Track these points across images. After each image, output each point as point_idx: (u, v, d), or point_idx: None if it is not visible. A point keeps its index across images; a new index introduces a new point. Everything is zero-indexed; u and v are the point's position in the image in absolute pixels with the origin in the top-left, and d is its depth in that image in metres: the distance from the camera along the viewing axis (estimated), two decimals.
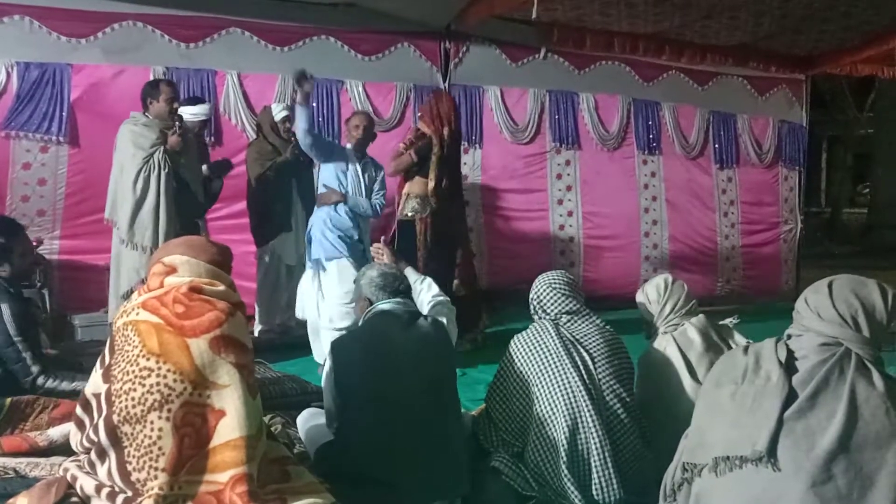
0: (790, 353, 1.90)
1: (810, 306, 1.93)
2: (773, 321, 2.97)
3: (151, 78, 5.02)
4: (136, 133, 4.18)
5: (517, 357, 2.64)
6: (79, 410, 2.03)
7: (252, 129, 5.42)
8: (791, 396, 1.80)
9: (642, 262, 7.17)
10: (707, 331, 2.81)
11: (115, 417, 1.87)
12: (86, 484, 1.93)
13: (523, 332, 2.70)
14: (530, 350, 2.61)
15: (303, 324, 5.32)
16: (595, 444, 2.44)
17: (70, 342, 4.65)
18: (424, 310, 2.88)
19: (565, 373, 2.52)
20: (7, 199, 5.00)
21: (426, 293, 3.01)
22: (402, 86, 6.11)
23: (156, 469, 1.84)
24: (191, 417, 1.87)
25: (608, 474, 2.43)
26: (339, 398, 2.51)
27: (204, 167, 4.71)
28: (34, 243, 4.01)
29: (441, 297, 2.99)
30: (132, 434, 1.86)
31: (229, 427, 1.89)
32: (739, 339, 2.87)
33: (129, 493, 1.86)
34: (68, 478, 1.99)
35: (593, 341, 2.63)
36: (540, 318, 2.76)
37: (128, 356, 1.90)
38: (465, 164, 6.41)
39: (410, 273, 3.08)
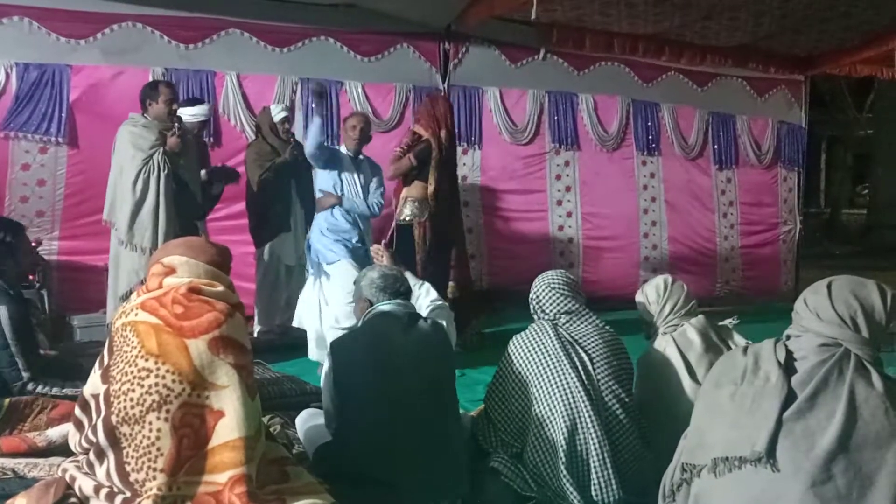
0: (789, 353, 1.90)
1: (809, 307, 1.93)
2: (772, 322, 2.97)
3: (151, 79, 5.02)
4: (135, 134, 4.18)
5: (516, 358, 2.64)
6: (77, 411, 2.03)
7: (251, 129, 5.42)
8: (790, 397, 1.80)
9: (641, 262, 7.17)
10: (707, 331, 2.81)
11: (113, 418, 1.87)
12: (84, 484, 1.93)
13: (522, 333, 2.70)
14: (529, 351, 2.61)
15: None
16: (594, 444, 2.44)
17: (69, 343, 4.65)
18: (423, 314, 2.88)
19: (564, 374, 2.52)
20: (6, 199, 5.00)
21: (424, 298, 3.02)
22: (401, 87, 6.11)
23: (154, 470, 1.84)
24: (189, 418, 1.87)
25: (607, 475, 2.43)
26: (338, 398, 2.51)
27: (203, 172, 4.71)
28: (33, 244, 4.01)
29: (439, 302, 3.00)
30: (131, 435, 1.86)
31: (228, 428, 1.89)
32: (739, 339, 2.87)
33: (128, 494, 1.86)
34: (67, 478, 1.98)
35: (592, 342, 2.63)
36: (539, 318, 2.76)
37: (126, 357, 1.90)
38: (464, 164, 6.44)
39: (409, 278, 3.08)
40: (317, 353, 4.47)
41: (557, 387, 2.50)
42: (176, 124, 4.23)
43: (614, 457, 2.45)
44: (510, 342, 2.70)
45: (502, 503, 2.51)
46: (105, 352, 1.99)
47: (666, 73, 7.16)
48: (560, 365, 2.53)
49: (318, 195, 4.64)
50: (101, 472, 1.92)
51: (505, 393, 2.65)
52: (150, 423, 1.84)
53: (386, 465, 2.36)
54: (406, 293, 2.74)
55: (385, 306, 2.63)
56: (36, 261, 4.45)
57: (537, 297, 2.77)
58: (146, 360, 1.88)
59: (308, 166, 5.07)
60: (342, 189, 4.56)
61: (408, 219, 4.86)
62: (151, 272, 2.09)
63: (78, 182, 5.16)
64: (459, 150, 6.34)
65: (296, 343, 4.86)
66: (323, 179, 4.60)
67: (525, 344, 2.64)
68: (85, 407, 1.99)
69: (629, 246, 7.14)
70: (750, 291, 7.61)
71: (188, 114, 4.63)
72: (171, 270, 2.06)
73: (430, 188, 4.86)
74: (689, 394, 2.60)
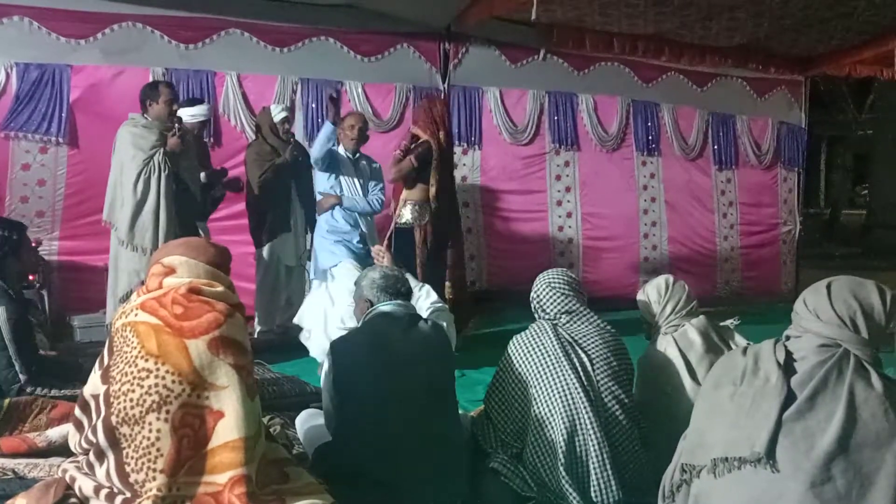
0: (789, 354, 1.90)
1: (809, 307, 1.93)
2: (772, 323, 2.96)
3: (151, 79, 5.03)
4: (135, 135, 4.18)
5: (515, 358, 2.64)
6: (77, 411, 2.03)
7: (251, 130, 5.42)
8: (790, 397, 1.80)
9: (641, 263, 7.17)
10: (708, 332, 2.80)
11: (113, 419, 1.87)
12: (84, 485, 1.93)
13: (522, 334, 2.69)
14: (528, 351, 2.61)
15: None
16: (593, 446, 2.44)
17: (69, 343, 4.65)
18: (423, 316, 2.88)
19: (563, 375, 2.51)
20: (6, 199, 5.01)
21: (425, 300, 3.03)
22: (401, 87, 6.11)
23: (154, 470, 1.84)
24: (189, 419, 1.87)
25: (607, 476, 2.42)
26: (337, 399, 2.51)
27: (203, 174, 4.71)
28: (33, 244, 4.01)
29: (440, 304, 3.01)
30: (131, 435, 1.86)
31: (228, 428, 1.89)
32: (740, 340, 2.86)
33: (128, 495, 1.86)
34: (67, 479, 1.98)
35: (592, 342, 2.62)
36: (540, 317, 2.75)
37: (126, 357, 1.90)
38: (464, 164, 6.44)
39: (409, 280, 3.08)
40: (320, 352, 4.47)
41: (557, 388, 2.50)
42: (176, 125, 4.23)
43: (614, 458, 2.45)
44: (510, 342, 2.69)
45: (502, 503, 2.51)
46: (105, 352, 1.99)
47: (666, 74, 7.16)
48: (559, 366, 2.53)
49: (318, 198, 4.65)
50: (100, 472, 1.92)
51: (505, 393, 2.65)
52: (150, 424, 1.84)
53: (386, 465, 2.37)
54: (407, 294, 2.74)
55: (385, 307, 2.63)
56: (37, 261, 4.45)
57: (538, 296, 2.77)
58: (146, 360, 1.88)
59: (308, 166, 5.07)
60: (341, 189, 4.57)
61: (409, 221, 4.84)
62: (151, 272, 2.10)
63: (78, 182, 5.17)
64: (459, 150, 6.37)
65: (296, 343, 4.86)
66: (322, 181, 4.61)
67: (525, 344, 2.64)
68: (85, 407, 1.99)
69: (629, 246, 7.14)
70: (750, 292, 7.61)
71: (188, 114, 4.63)
72: (170, 271, 2.07)
73: (432, 190, 4.85)
74: (689, 394, 2.60)
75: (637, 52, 6.60)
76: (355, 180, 4.60)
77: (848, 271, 2.21)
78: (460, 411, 2.77)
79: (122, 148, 4.18)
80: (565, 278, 2.77)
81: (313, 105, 5.78)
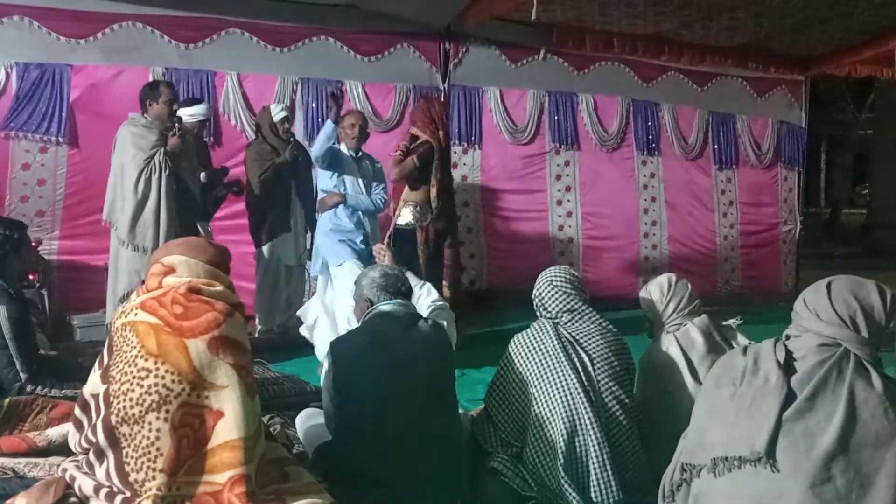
0: (789, 353, 1.90)
1: (809, 307, 1.93)
2: (772, 322, 2.96)
3: (151, 79, 5.03)
4: (136, 134, 4.18)
5: (516, 358, 2.64)
6: (77, 411, 2.03)
7: (251, 129, 5.42)
8: (790, 397, 1.80)
9: (641, 262, 7.17)
10: (710, 331, 2.79)
11: (113, 418, 1.87)
12: (84, 484, 1.93)
13: (523, 332, 2.69)
14: (529, 351, 2.61)
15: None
16: (593, 446, 2.43)
17: (69, 343, 4.65)
18: (424, 314, 2.88)
19: (563, 375, 2.51)
20: (6, 199, 5.01)
21: (426, 298, 3.02)
22: (401, 87, 6.10)
23: (154, 470, 1.84)
24: (189, 418, 1.87)
25: (607, 477, 2.42)
26: (337, 398, 2.50)
27: (202, 175, 4.71)
28: (33, 244, 4.01)
29: (440, 303, 3.00)
30: (130, 435, 1.86)
31: (227, 428, 1.89)
32: (742, 340, 2.84)
33: (128, 494, 1.86)
34: (67, 478, 1.99)
35: (593, 342, 2.62)
36: (541, 315, 2.74)
37: (126, 357, 1.90)
38: (464, 164, 6.44)
39: (410, 278, 3.08)
40: (325, 350, 4.48)
41: (557, 388, 2.50)
42: (176, 124, 4.23)
43: (614, 458, 2.44)
44: (511, 341, 2.69)
45: (502, 503, 2.51)
46: (105, 352, 1.99)
47: (666, 73, 7.16)
48: (560, 366, 2.53)
49: (320, 195, 4.63)
50: (100, 471, 1.92)
51: (505, 393, 2.65)
52: (150, 423, 1.84)
53: (386, 464, 2.36)
54: (407, 293, 2.73)
55: (385, 306, 2.62)
56: (37, 260, 4.45)
57: (540, 294, 2.76)
58: (146, 360, 1.88)
59: (308, 166, 5.07)
60: (345, 188, 4.55)
61: (410, 223, 4.83)
62: (151, 272, 2.10)
63: (78, 182, 5.17)
64: (459, 149, 6.39)
65: (296, 343, 4.86)
66: (325, 179, 4.59)
67: (525, 343, 2.63)
68: (85, 407, 1.99)
69: (629, 246, 7.14)
70: (750, 291, 7.61)
71: (187, 114, 4.63)
72: (170, 270, 2.07)
73: (433, 190, 4.85)
74: (691, 393, 2.59)
75: (637, 51, 6.60)
76: (358, 179, 4.60)
77: (848, 271, 2.20)
78: (460, 411, 2.77)
79: (123, 148, 4.18)
80: (567, 276, 2.76)
81: (313, 105, 5.78)
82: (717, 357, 2.57)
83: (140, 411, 1.85)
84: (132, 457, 1.86)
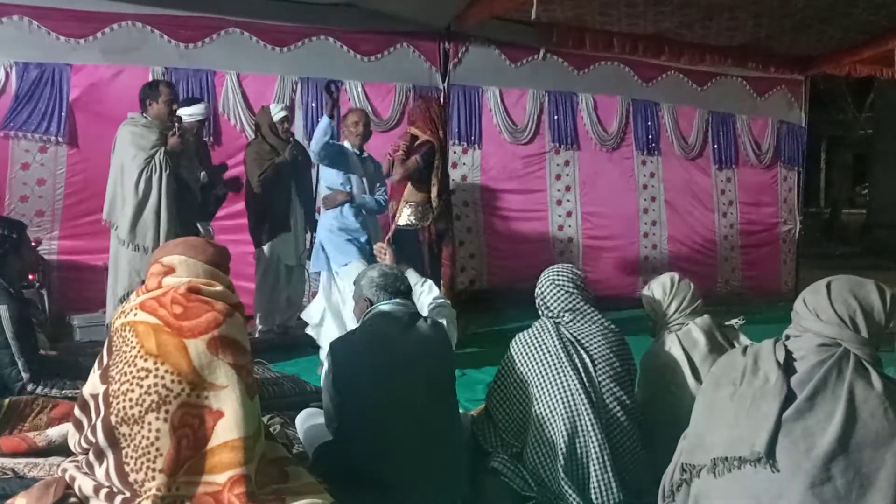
0: (789, 353, 1.90)
1: (809, 307, 1.93)
2: (772, 322, 2.96)
3: (150, 78, 5.02)
4: (136, 134, 4.18)
5: (517, 357, 2.63)
6: (77, 411, 2.03)
7: (251, 129, 5.42)
8: (790, 397, 1.80)
9: (641, 262, 7.17)
10: (712, 331, 2.77)
11: (112, 418, 1.87)
12: (84, 484, 1.93)
13: (524, 332, 2.68)
14: (530, 351, 2.60)
15: (303, 324, 5.32)
16: (594, 447, 2.43)
17: (69, 343, 4.65)
18: (425, 312, 2.88)
19: (564, 375, 2.50)
20: (6, 199, 5.00)
21: (427, 296, 3.01)
22: (401, 86, 6.10)
23: (154, 470, 1.84)
24: (189, 418, 1.87)
25: (607, 478, 2.41)
26: (337, 398, 2.50)
27: (203, 174, 4.71)
28: (33, 243, 4.02)
29: (442, 300, 2.99)
30: (130, 435, 1.86)
31: (227, 428, 1.89)
32: (745, 340, 2.81)
33: (128, 494, 1.86)
34: (67, 478, 1.98)
35: (595, 342, 2.60)
36: (543, 314, 2.73)
37: (126, 357, 1.90)
38: (464, 164, 6.45)
39: (412, 275, 3.07)
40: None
41: (558, 388, 2.49)
42: (176, 124, 4.23)
43: (614, 459, 2.44)
44: (512, 341, 2.68)
45: (502, 503, 2.51)
46: (104, 352, 1.99)
47: (666, 73, 7.16)
48: (561, 366, 2.52)
49: (325, 192, 4.57)
50: (100, 472, 1.92)
51: (506, 392, 2.65)
52: (150, 424, 1.84)
53: (386, 464, 2.36)
54: (406, 292, 2.73)
55: (385, 306, 2.62)
56: (37, 260, 4.45)
57: (542, 292, 2.74)
58: (145, 360, 1.88)
59: (308, 166, 5.07)
60: (352, 186, 4.52)
61: (413, 223, 4.83)
62: (151, 272, 2.10)
63: (78, 181, 5.16)
64: (459, 149, 6.39)
65: (296, 343, 4.87)
66: (330, 177, 4.54)
67: (527, 343, 2.63)
68: (84, 407, 1.99)
69: (629, 245, 7.14)
70: (750, 291, 7.61)
71: (186, 113, 4.62)
72: (170, 270, 2.07)
73: (434, 190, 4.85)
74: (692, 394, 2.57)
75: (637, 51, 6.60)
76: (363, 178, 4.60)
77: (848, 271, 2.20)
78: (460, 410, 2.76)
79: (123, 147, 4.18)
80: (570, 275, 2.73)
81: (313, 104, 5.77)
82: (719, 357, 2.57)
83: (140, 411, 1.85)
84: (132, 457, 1.86)
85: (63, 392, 2.85)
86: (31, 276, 4.58)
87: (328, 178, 4.57)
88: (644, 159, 7.19)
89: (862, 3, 5.82)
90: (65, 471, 2.01)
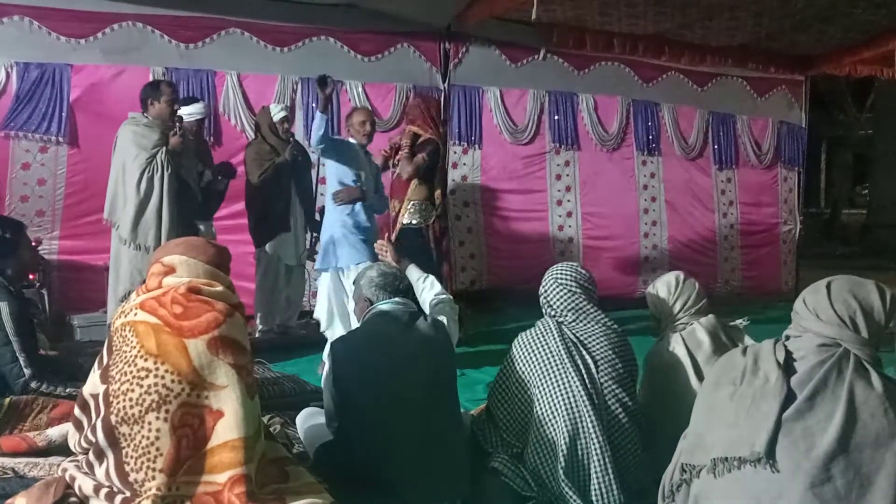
0: (788, 354, 1.90)
1: (809, 307, 1.93)
2: (773, 322, 2.96)
3: (151, 78, 5.02)
4: (138, 133, 4.19)
5: (519, 357, 2.62)
6: (77, 411, 2.03)
7: (251, 129, 5.42)
8: (789, 397, 1.80)
9: (641, 262, 7.17)
10: (716, 332, 2.75)
11: (113, 418, 1.87)
12: (84, 484, 1.93)
13: (527, 332, 2.67)
14: (532, 351, 2.59)
15: (303, 324, 5.33)
16: (595, 449, 2.42)
17: (69, 342, 4.65)
18: (426, 308, 2.88)
19: (566, 376, 2.49)
20: (6, 199, 5.00)
21: (429, 291, 3.00)
22: (401, 86, 6.10)
23: (154, 470, 1.84)
24: (189, 418, 1.87)
25: (608, 480, 2.40)
26: (338, 398, 2.51)
27: (208, 171, 4.70)
28: (33, 243, 4.01)
29: (444, 296, 2.98)
30: (130, 435, 1.86)
31: (227, 428, 1.89)
32: (749, 341, 2.79)
33: (128, 494, 1.86)
34: (67, 478, 1.99)
35: (597, 343, 2.59)
36: (546, 312, 2.72)
37: (126, 357, 1.90)
38: (464, 164, 6.45)
39: (413, 271, 3.07)
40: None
41: (559, 389, 2.48)
42: (177, 124, 4.23)
43: (615, 461, 2.43)
44: (515, 340, 2.67)
45: (502, 503, 2.51)
46: (104, 351, 1.99)
47: (666, 73, 7.15)
48: (562, 367, 2.51)
49: (335, 187, 4.50)
50: (100, 471, 1.92)
51: (508, 392, 2.64)
52: (150, 423, 1.84)
53: (386, 464, 2.37)
54: (406, 291, 2.73)
55: (385, 305, 2.62)
56: (37, 260, 4.45)
57: (545, 291, 2.72)
58: (145, 359, 1.88)
59: (308, 166, 5.08)
60: (362, 183, 4.50)
61: (418, 221, 4.83)
62: (151, 272, 2.10)
63: (78, 181, 5.16)
64: (459, 149, 6.40)
65: (296, 343, 4.87)
66: (341, 172, 4.48)
67: (529, 343, 2.61)
68: (84, 407, 1.99)
69: (629, 246, 7.14)
70: (750, 291, 7.61)
71: (185, 113, 4.62)
72: (170, 270, 2.07)
73: (438, 190, 4.86)
74: (695, 394, 2.56)
75: (637, 51, 6.60)
76: (370, 177, 4.60)
77: (848, 271, 2.20)
78: (461, 410, 2.76)
79: (124, 147, 4.19)
80: (574, 274, 2.70)
81: (313, 104, 5.76)
82: None
83: (140, 411, 1.85)
84: (132, 457, 1.86)
85: (66, 391, 2.85)
86: (31, 276, 4.58)
87: (340, 174, 4.49)
88: (644, 159, 7.19)
89: (862, 3, 5.83)
90: (65, 470, 2.01)
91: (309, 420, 2.87)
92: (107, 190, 4.28)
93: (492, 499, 2.52)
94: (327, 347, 4.42)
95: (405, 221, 4.83)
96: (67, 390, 2.86)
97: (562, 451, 2.43)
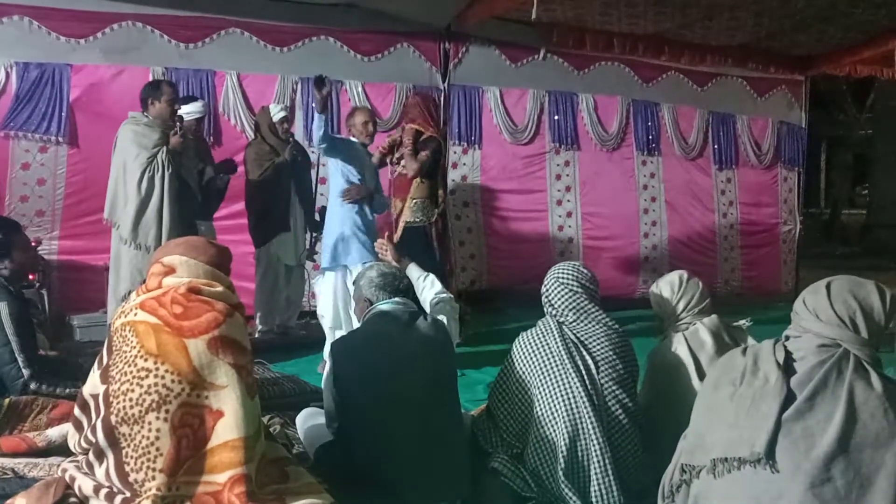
0: (788, 354, 1.90)
1: (808, 307, 1.93)
2: (772, 323, 2.95)
3: (151, 78, 5.02)
4: (138, 133, 4.19)
5: (520, 357, 2.62)
6: (77, 411, 2.03)
7: (251, 129, 5.42)
8: (789, 398, 1.80)
9: (641, 262, 7.17)
10: (720, 332, 2.74)
11: (113, 418, 1.87)
12: (84, 484, 1.93)
13: (527, 332, 2.66)
14: (533, 351, 2.58)
15: (303, 324, 5.32)
16: (595, 450, 2.42)
17: (69, 343, 4.65)
18: (427, 307, 2.88)
19: (566, 377, 2.49)
20: (6, 199, 5.00)
21: (429, 290, 3.00)
22: (401, 86, 6.10)
23: (154, 470, 1.84)
24: (189, 418, 1.87)
25: (608, 481, 2.40)
26: (338, 398, 2.51)
27: (208, 169, 4.70)
28: (33, 244, 4.01)
29: (444, 295, 2.97)
30: (130, 435, 1.86)
31: (227, 428, 1.89)
32: (752, 342, 2.79)
33: (128, 494, 1.86)
34: (66, 478, 1.99)
35: (598, 344, 2.58)
36: (548, 312, 2.71)
37: (126, 357, 1.90)
38: (464, 164, 6.45)
39: (414, 270, 3.07)
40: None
41: (559, 390, 2.48)
42: (178, 123, 4.23)
43: (615, 462, 2.43)
44: (516, 340, 2.67)
45: (502, 503, 2.51)
46: (104, 351, 1.99)
47: (666, 73, 7.15)
48: (563, 367, 2.50)
49: (342, 186, 4.46)
50: (100, 472, 1.92)
51: (508, 392, 2.64)
52: (150, 423, 1.84)
53: (386, 464, 2.37)
54: (406, 290, 2.73)
55: (385, 305, 2.62)
56: (36, 260, 4.45)
57: (547, 290, 2.70)
58: (145, 359, 1.88)
59: (307, 166, 5.08)
60: (366, 183, 4.49)
61: (420, 219, 4.83)
62: (151, 272, 2.10)
63: (78, 181, 5.16)
64: (459, 149, 6.40)
65: (296, 343, 4.87)
66: (349, 171, 4.46)
67: (529, 344, 2.61)
68: (84, 407, 1.99)
69: (629, 246, 7.14)
70: (750, 291, 7.61)
71: (185, 111, 4.61)
72: (170, 270, 2.07)
73: (441, 188, 4.86)
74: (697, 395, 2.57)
75: (637, 51, 6.60)
76: (372, 177, 4.60)
77: (848, 271, 2.20)
78: (461, 410, 2.76)
79: (125, 146, 4.19)
80: (576, 274, 2.69)
81: (313, 104, 5.73)
82: None
83: (140, 411, 1.85)
84: (132, 457, 1.86)
85: (64, 391, 2.85)
86: (31, 276, 4.57)
87: (346, 172, 4.47)
88: (644, 159, 7.19)
89: (862, 3, 5.83)
90: (65, 471, 2.01)
91: (309, 420, 2.87)
92: (107, 190, 4.28)
93: (492, 499, 2.52)
94: (327, 347, 4.44)
95: (409, 219, 4.83)
96: (67, 390, 2.85)
97: (561, 451, 2.43)
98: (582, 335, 2.61)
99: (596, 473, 2.41)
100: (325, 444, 2.59)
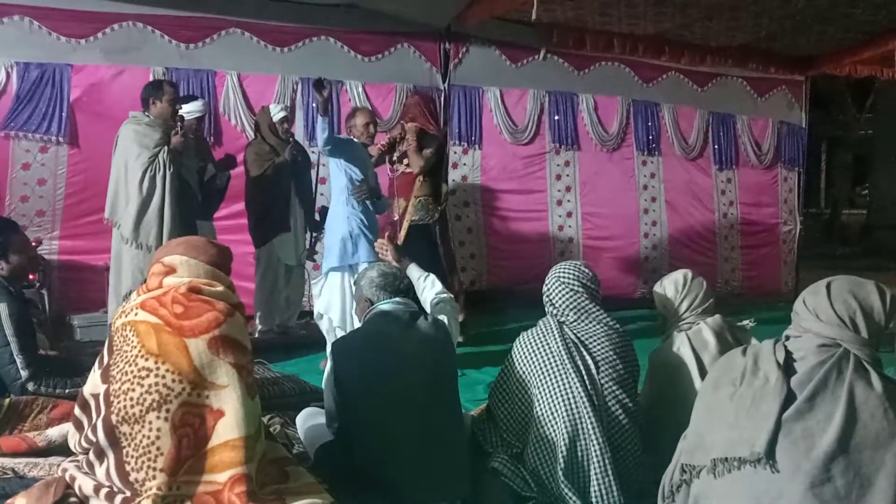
0: (788, 354, 1.90)
1: (809, 307, 1.93)
2: (773, 323, 2.95)
3: (151, 78, 5.03)
4: (139, 133, 4.19)
5: (520, 357, 2.61)
6: (77, 411, 2.03)
7: (252, 129, 5.42)
8: (789, 398, 1.80)
9: (641, 262, 7.17)
10: (723, 332, 2.73)
11: (113, 417, 1.87)
12: (84, 484, 1.93)
13: (528, 332, 2.66)
14: (533, 351, 2.58)
15: (303, 324, 5.31)
16: (595, 451, 2.42)
17: (69, 343, 4.65)
18: (427, 307, 2.88)
19: (566, 377, 2.49)
20: (6, 199, 5.00)
21: (430, 290, 3.00)
22: (401, 87, 6.10)
23: (154, 469, 1.84)
24: (189, 418, 1.87)
25: (608, 482, 2.40)
26: (339, 398, 2.51)
27: (209, 166, 4.70)
28: (33, 244, 4.01)
29: (444, 295, 2.97)
30: (130, 434, 1.86)
31: (228, 427, 1.89)
32: (755, 342, 2.79)
33: (128, 494, 1.86)
34: (67, 478, 1.99)
35: (598, 344, 2.57)
36: (548, 311, 2.70)
37: (126, 356, 1.90)
38: (464, 164, 6.45)
39: (414, 270, 3.07)
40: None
41: (559, 390, 2.48)
42: (179, 123, 4.24)
43: (615, 462, 2.42)
44: (516, 340, 2.67)
45: (502, 503, 2.51)
46: (105, 351, 2.00)
47: (666, 73, 7.16)
48: (563, 367, 2.50)
49: (345, 186, 4.43)
50: (100, 471, 1.92)
51: (508, 392, 2.64)
52: (150, 423, 1.84)
53: (386, 465, 2.37)
54: (406, 290, 2.73)
55: (385, 305, 2.62)
56: (37, 260, 4.45)
57: (548, 289, 2.70)
58: (146, 359, 1.88)
59: (307, 166, 5.08)
60: (368, 182, 4.49)
61: (423, 217, 4.83)
62: (152, 271, 2.10)
63: (78, 181, 5.16)
64: (459, 149, 6.40)
65: (296, 343, 4.86)
66: (354, 171, 4.43)
67: (530, 343, 2.61)
68: (85, 406, 2.00)
69: (629, 246, 7.14)
70: (750, 291, 7.60)
71: (186, 111, 4.61)
72: (171, 270, 2.07)
73: (445, 187, 4.86)
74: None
75: (637, 52, 6.60)
76: (374, 177, 4.61)
77: (848, 271, 2.20)
78: (461, 410, 2.76)
79: (126, 146, 4.19)
80: (577, 274, 2.68)
81: (313, 105, 5.76)
82: None
83: (140, 411, 1.85)
84: (132, 456, 1.86)
85: (64, 391, 2.85)
86: (31, 276, 4.57)
87: (352, 172, 4.45)
88: (644, 160, 7.19)
89: (862, 4, 5.83)
90: (65, 470, 2.01)
91: (309, 420, 2.87)
92: (108, 189, 4.28)
93: (492, 499, 2.52)
94: (329, 346, 4.43)
95: (413, 218, 4.83)
96: (67, 390, 2.86)
97: (561, 451, 2.43)
98: (582, 335, 2.60)
99: (596, 473, 2.41)
100: (325, 444, 2.59)
